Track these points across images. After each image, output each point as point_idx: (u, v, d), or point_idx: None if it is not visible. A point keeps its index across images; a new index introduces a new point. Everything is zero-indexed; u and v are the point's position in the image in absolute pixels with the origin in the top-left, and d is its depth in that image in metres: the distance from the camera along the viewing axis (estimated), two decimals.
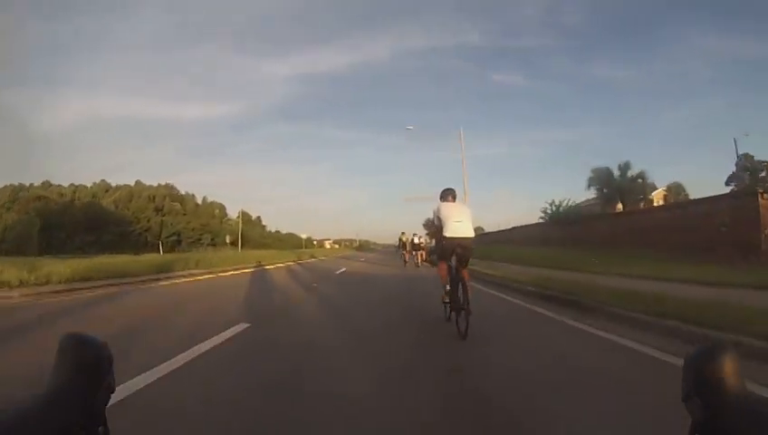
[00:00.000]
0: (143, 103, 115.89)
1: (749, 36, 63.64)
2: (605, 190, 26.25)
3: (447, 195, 4.48)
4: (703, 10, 70.38)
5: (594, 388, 2.53)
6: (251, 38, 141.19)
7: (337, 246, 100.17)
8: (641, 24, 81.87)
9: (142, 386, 2.38)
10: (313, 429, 1.97)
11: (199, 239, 55.34)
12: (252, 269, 14.67)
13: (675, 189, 38.44)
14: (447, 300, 4.24)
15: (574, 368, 2.97)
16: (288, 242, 67.89)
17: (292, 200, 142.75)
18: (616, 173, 26.25)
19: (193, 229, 56.15)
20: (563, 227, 23.82)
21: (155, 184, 60.23)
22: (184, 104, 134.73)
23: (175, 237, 53.13)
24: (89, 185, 60.60)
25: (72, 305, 5.86)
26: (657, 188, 31.45)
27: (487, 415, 2.11)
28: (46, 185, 56.99)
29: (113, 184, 61.40)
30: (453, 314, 4.17)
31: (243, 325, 4.21)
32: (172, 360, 2.91)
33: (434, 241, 6.50)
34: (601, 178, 26.41)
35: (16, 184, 52.64)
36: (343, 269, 15.30)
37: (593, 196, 29.53)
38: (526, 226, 30.28)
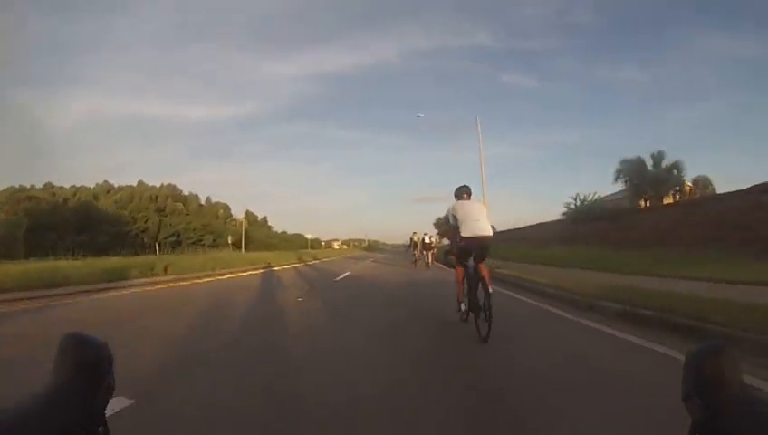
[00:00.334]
0: (148, 103, 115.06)
1: None
2: (636, 182, 23.66)
3: (462, 192, 4.20)
4: None
5: None
6: (256, 38, 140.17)
7: (346, 246, 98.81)
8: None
9: None
10: None
11: (200, 240, 53.57)
12: (231, 276, 12.64)
13: (702, 183, 35.98)
14: (464, 308, 4.07)
15: None
16: (294, 243, 66.03)
17: (300, 201, 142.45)
18: (648, 163, 23.72)
19: (194, 230, 54.32)
20: (587, 223, 21.51)
21: (158, 185, 59.28)
22: (191, 105, 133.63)
23: (174, 238, 51.44)
24: (91, 186, 59.92)
25: None
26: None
27: None
28: (48, 186, 56.05)
29: (116, 185, 60.52)
30: (471, 316, 3.86)
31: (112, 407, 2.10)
32: None
33: (446, 240, 4.85)
34: (632, 170, 23.89)
35: (17, 186, 52.04)
36: (347, 273, 13.16)
37: (619, 189, 27.10)
38: (542, 223, 27.96)
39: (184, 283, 10.27)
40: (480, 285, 3.71)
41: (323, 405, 2.19)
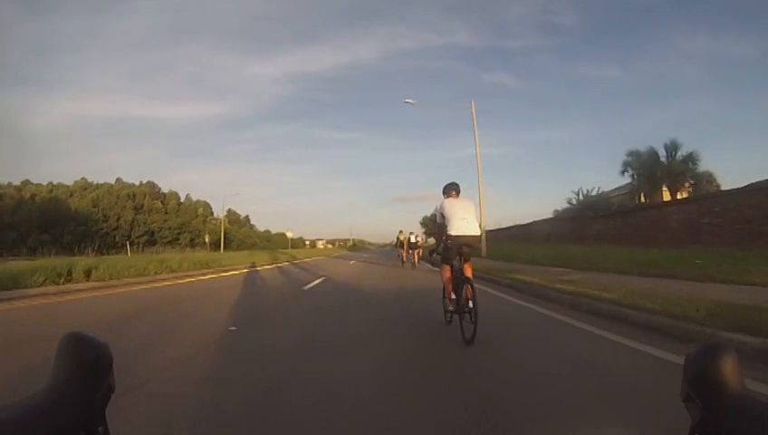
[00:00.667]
0: (131, 104, 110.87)
1: None
2: (647, 175, 21.50)
3: (451, 190, 4.08)
4: None
5: None
6: (240, 38, 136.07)
7: (330, 245, 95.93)
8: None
9: None
10: None
11: (177, 239, 50.41)
12: (167, 283, 10.05)
13: (705, 178, 34.59)
14: (452, 308, 3.79)
15: None
16: (276, 242, 63.61)
17: (284, 201, 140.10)
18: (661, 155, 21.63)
19: (170, 228, 51.22)
20: (596, 219, 19.40)
21: (137, 183, 56.51)
22: (174, 105, 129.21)
23: (147, 237, 48.18)
24: (69, 184, 57.08)
25: None
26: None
27: None
28: (25, 183, 53.59)
29: (94, 183, 57.82)
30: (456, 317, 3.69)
31: None
32: None
33: (432, 240, 3.34)
34: (643, 162, 21.77)
35: None
36: (321, 278, 10.65)
37: (622, 183, 25.08)
38: (546, 220, 25.77)
39: (93, 293, 7.67)
40: (465, 287, 3.57)
41: None
